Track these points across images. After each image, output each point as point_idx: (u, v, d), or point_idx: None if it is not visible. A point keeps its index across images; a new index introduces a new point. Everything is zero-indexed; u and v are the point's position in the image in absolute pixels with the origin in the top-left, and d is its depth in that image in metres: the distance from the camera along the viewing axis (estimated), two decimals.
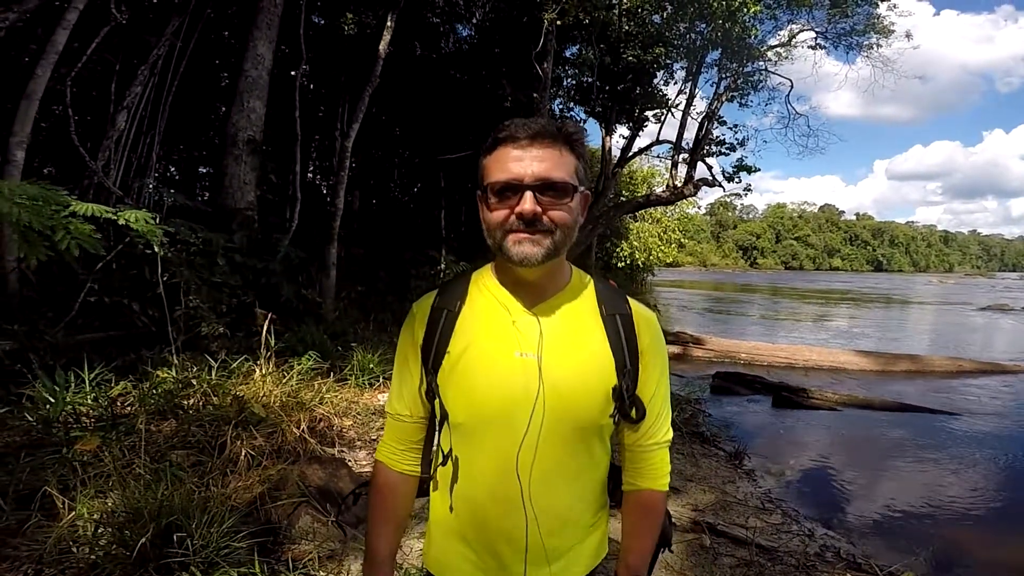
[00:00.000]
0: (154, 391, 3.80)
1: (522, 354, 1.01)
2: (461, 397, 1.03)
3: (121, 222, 3.26)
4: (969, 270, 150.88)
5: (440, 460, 1.08)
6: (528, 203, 0.94)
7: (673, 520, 1.31)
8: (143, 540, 2.25)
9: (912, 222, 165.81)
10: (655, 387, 1.09)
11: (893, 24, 12.36)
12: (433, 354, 1.05)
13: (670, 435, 1.15)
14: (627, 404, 1.03)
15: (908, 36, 12.81)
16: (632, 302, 1.10)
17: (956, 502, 4.42)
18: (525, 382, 1.00)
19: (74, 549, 2.36)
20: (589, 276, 1.13)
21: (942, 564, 3.35)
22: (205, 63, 8.23)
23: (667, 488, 1.17)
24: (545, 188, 0.95)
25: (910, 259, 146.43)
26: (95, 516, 2.52)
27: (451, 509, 1.07)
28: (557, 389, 1.00)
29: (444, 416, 1.05)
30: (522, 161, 0.95)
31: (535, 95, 10.15)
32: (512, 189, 0.95)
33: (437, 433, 1.10)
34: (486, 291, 1.08)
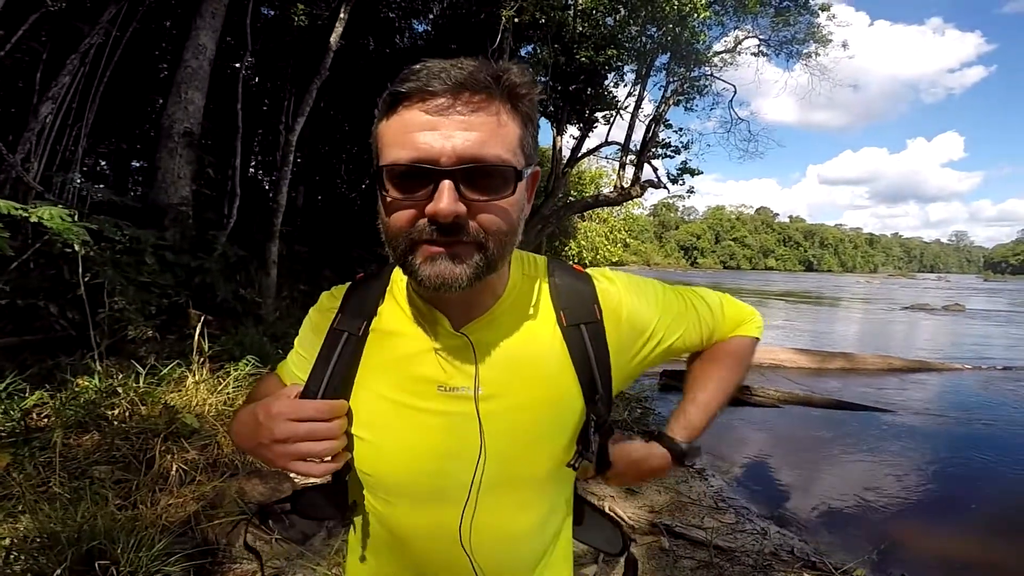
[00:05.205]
0: (73, 401, 3.48)
1: (448, 389, 0.75)
2: (366, 449, 0.78)
3: (33, 219, 2.96)
4: (892, 271, 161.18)
5: (350, 504, 0.85)
6: (445, 200, 0.61)
7: (632, 523, 1.20)
8: (59, 569, 2.03)
9: (841, 225, 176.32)
10: (665, 331, 0.86)
11: (831, 34, 13.02)
12: (324, 387, 0.77)
13: (730, 306, 0.97)
14: (591, 447, 0.81)
15: (844, 46, 13.51)
16: (599, 288, 0.83)
17: (894, 496, 4.60)
18: (459, 429, 0.75)
19: None
20: (540, 267, 0.84)
21: (889, 559, 3.45)
22: (143, 53, 7.76)
23: (758, 335, 0.97)
24: (473, 175, 0.63)
25: (839, 260, 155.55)
26: (5, 541, 2.26)
27: (363, 559, 0.86)
28: (505, 434, 0.76)
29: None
30: (438, 130, 0.62)
31: None
32: (421, 176, 0.63)
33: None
34: (401, 303, 0.81)
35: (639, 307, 0.85)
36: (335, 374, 0.77)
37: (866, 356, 10.10)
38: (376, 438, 0.77)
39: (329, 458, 0.73)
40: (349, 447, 0.77)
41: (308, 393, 0.77)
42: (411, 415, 0.76)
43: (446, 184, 0.62)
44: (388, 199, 0.66)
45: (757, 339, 0.99)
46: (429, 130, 0.62)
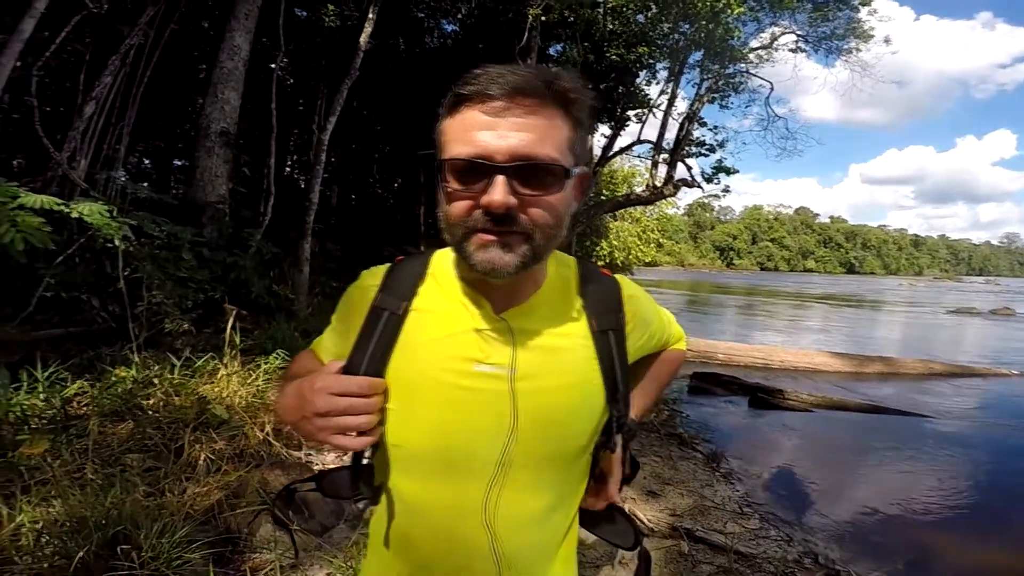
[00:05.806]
0: (111, 391, 3.62)
1: (485, 367, 0.79)
2: (398, 421, 0.81)
3: (74, 215, 3.09)
4: (938, 273, 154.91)
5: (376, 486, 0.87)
6: (498, 192, 0.69)
7: (651, 526, 1.22)
8: (82, 552, 2.12)
9: (884, 226, 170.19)
10: (653, 335, 1.01)
11: (872, 29, 12.57)
12: (365, 364, 0.81)
13: (675, 325, 1.12)
14: (612, 438, 0.87)
15: (887, 41, 13.04)
16: (624, 296, 0.90)
17: (930, 506, 4.43)
18: (493, 406, 0.78)
19: (17, 559, 2.21)
20: (572, 267, 0.91)
21: (918, 570, 3.34)
22: (181, 54, 8.03)
23: (685, 348, 1.15)
24: (525, 172, 0.70)
25: (882, 262, 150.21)
26: (38, 525, 2.37)
27: (386, 544, 0.87)
28: (536, 413, 0.79)
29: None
30: (494, 130, 0.70)
31: None
32: (478, 171, 0.70)
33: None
34: (443, 285, 0.85)
35: (648, 316, 0.98)
36: (375, 351, 0.81)
37: (906, 360, 9.73)
38: (410, 411, 0.80)
39: (362, 433, 0.77)
40: (382, 421, 0.80)
41: (350, 369, 0.81)
42: (446, 391, 0.79)
43: (500, 179, 0.69)
44: (448, 190, 0.74)
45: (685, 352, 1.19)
46: (487, 129, 0.70)
